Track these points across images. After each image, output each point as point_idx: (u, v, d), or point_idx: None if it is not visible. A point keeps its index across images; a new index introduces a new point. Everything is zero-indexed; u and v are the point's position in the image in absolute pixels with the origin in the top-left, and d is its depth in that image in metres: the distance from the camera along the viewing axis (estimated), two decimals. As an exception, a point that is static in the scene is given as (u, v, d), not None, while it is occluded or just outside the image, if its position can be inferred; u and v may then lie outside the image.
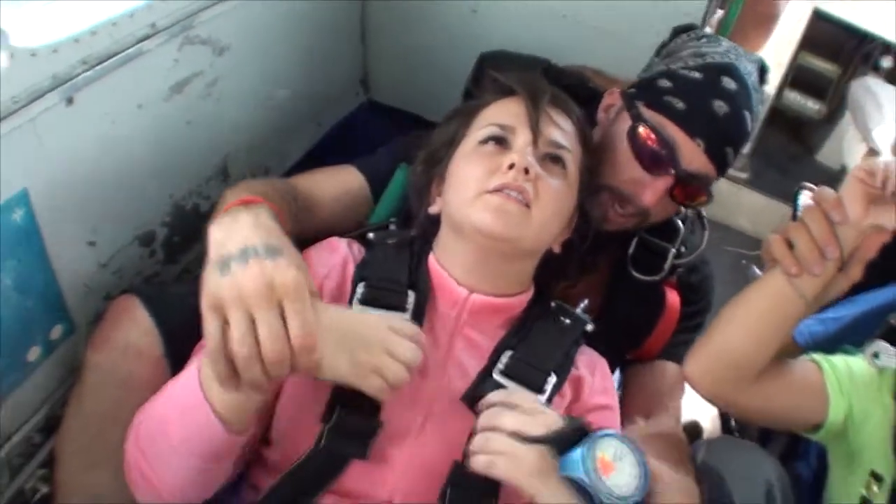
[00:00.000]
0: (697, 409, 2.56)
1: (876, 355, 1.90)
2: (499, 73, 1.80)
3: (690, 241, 2.10)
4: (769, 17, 3.93)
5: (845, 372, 1.87)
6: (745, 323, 1.64)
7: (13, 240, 1.50)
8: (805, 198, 2.44)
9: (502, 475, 1.35)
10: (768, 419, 1.94)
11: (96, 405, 1.60)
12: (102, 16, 1.55)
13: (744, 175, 5.42)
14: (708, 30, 2.49)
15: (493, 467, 1.35)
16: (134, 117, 1.57)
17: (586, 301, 1.77)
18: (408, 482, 1.49)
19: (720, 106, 1.78)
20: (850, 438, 1.87)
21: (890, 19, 5.52)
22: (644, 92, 1.89)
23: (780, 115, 6.13)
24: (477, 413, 1.48)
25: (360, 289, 1.59)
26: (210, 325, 1.20)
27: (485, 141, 1.63)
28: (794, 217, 2.56)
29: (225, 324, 1.19)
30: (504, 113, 1.67)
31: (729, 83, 1.81)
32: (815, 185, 1.79)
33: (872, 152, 4.26)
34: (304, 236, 1.67)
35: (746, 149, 5.32)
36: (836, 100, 6.14)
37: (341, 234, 1.79)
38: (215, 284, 1.22)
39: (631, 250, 2.02)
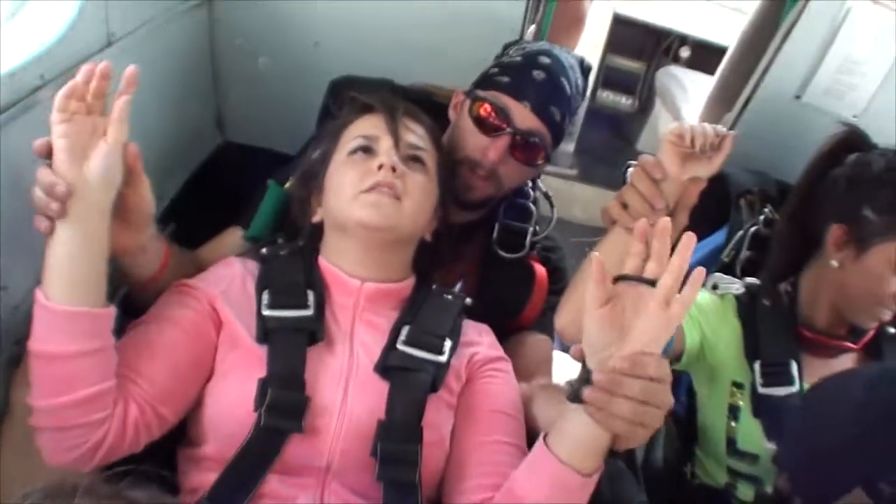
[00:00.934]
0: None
1: (715, 286, 2.23)
2: (355, 95, 2.05)
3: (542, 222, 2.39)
4: (577, 19, 4.24)
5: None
6: None
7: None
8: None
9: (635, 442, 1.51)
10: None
11: (28, 443, 1.64)
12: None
13: (573, 171, 5.76)
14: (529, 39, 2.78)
15: (633, 438, 1.48)
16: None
17: (461, 283, 2.02)
18: (341, 447, 1.67)
19: (538, 74, 2.12)
20: (708, 359, 2.19)
21: (682, 14, 5.96)
22: (480, 82, 2.21)
23: (597, 114, 6.52)
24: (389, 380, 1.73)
25: (265, 296, 1.77)
26: None
27: (354, 151, 1.84)
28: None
29: None
30: (367, 126, 1.89)
31: (545, 59, 2.15)
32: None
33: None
34: None
35: (571, 147, 5.66)
36: (644, 93, 6.59)
37: None
38: None
39: (495, 235, 2.28)
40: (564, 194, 3.59)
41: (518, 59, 2.18)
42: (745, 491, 2.24)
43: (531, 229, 2.31)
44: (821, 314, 2.20)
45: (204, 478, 1.65)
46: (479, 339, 1.95)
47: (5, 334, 1.69)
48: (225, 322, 1.75)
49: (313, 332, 1.74)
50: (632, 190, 1.81)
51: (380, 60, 2.67)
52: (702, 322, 2.18)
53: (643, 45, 6.66)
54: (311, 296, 1.78)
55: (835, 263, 2.13)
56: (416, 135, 1.91)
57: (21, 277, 1.69)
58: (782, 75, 2.83)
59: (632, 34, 6.48)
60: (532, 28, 3.15)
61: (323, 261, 1.88)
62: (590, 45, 5.75)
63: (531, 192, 2.39)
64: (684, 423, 2.45)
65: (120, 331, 1.61)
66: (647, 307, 1.43)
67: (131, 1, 2.11)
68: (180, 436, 1.73)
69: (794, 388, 2.11)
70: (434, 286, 1.95)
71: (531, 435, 1.82)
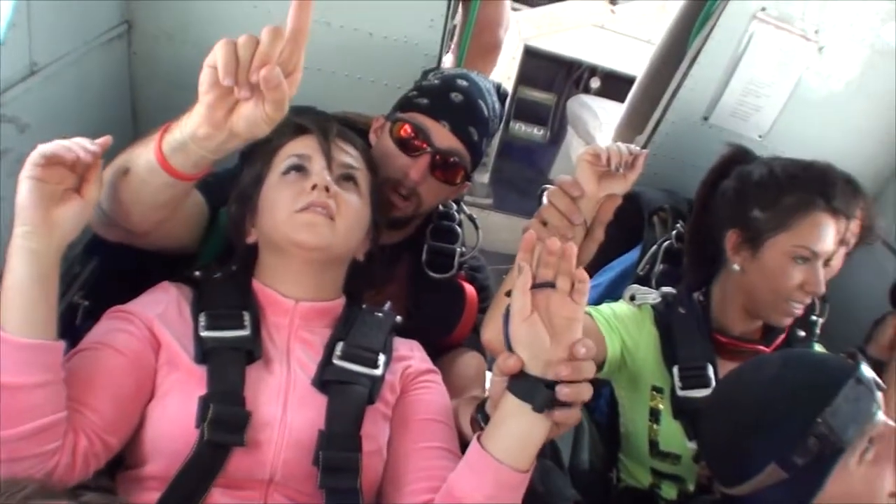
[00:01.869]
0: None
1: (633, 297, 2.33)
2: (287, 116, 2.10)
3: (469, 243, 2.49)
4: (492, 47, 4.33)
5: (611, 314, 2.29)
6: None
7: None
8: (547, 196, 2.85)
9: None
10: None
11: None
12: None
13: (488, 201, 5.85)
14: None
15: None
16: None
17: (389, 303, 2.06)
18: (283, 458, 1.70)
19: (456, 96, 2.22)
20: (629, 366, 2.29)
21: (592, 46, 6.09)
22: (399, 106, 2.30)
23: (510, 145, 6.67)
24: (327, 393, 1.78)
25: (202, 319, 1.80)
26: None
27: (287, 171, 1.88)
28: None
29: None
30: (300, 147, 1.92)
31: (461, 82, 2.26)
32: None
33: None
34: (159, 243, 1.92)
35: (486, 178, 5.73)
36: (556, 124, 6.69)
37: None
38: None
39: (424, 256, 2.35)
40: (481, 223, 3.62)
41: (436, 82, 2.28)
42: (668, 490, 2.33)
43: (458, 250, 2.39)
44: (733, 319, 2.34)
45: (146, 497, 1.65)
46: (411, 354, 2.01)
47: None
48: (163, 344, 1.77)
49: (251, 350, 1.78)
50: (551, 208, 1.87)
51: (302, 89, 2.64)
52: (622, 331, 2.28)
53: (554, 76, 6.79)
54: (246, 316, 1.82)
55: (736, 267, 2.29)
56: (348, 155, 1.96)
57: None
58: (690, 99, 2.98)
59: (543, 66, 6.62)
60: (449, 56, 3.23)
61: (257, 283, 1.92)
62: (501, 77, 5.86)
63: (456, 215, 2.48)
64: (607, 430, 2.54)
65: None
66: (557, 302, 1.56)
67: (54, 31, 2.13)
68: (116, 460, 1.72)
69: (711, 390, 2.20)
70: (364, 305, 2.00)
71: (461, 445, 1.90)
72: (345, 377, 1.80)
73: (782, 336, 2.37)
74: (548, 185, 1.98)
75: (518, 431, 1.58)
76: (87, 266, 1.89)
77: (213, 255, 2.07)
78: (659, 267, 2.61)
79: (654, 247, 2.65)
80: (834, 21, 2.89)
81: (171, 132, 1.61)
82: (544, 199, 1.97)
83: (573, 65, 6.63)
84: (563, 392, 1.52)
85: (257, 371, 1.77)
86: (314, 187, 1.81)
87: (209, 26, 2.71)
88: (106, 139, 1.59)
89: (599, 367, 2.21)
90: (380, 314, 1.98)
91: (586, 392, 1.54)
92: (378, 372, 1.85)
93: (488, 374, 2.33)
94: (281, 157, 1.94)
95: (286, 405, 1.75)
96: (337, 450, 1.72)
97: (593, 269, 1.96)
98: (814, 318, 2.46)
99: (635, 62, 5.82)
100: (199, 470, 1.64)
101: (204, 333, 1.77)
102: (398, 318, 2.00)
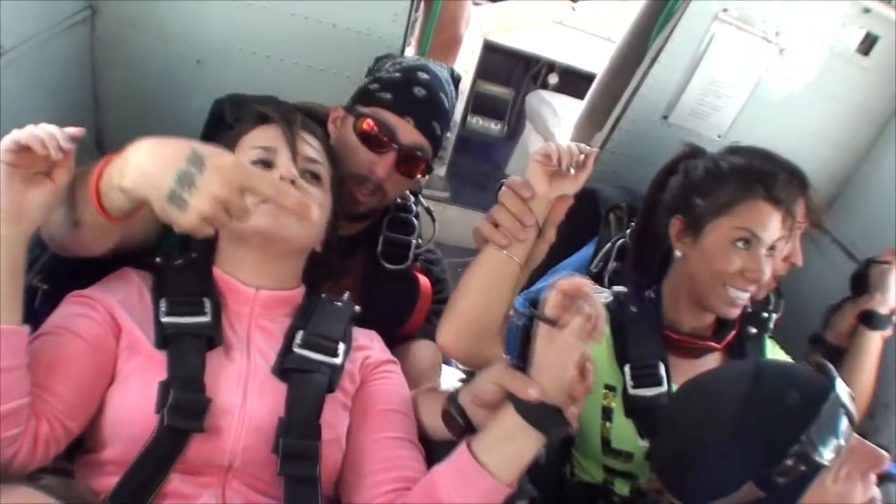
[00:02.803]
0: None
1: None
2: (238, 112, 2.08)
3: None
4: (453, 41, 4.36)
5: None
6: (477, 290, 1.91)
7: None
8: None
9: None
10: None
11: None
12: None
13: (445, 194, 5.84)
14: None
15: None
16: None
17: (348, 293, 2.06)
18: (243, 445, 1.70)
19: (419, 90, 2.23)
20: None
21: (551, 42, 6.10)
22: (359, 98, 2.29)
23: (467, 140, 6.65)
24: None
25: (163, 304, 1.80)
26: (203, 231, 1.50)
27: (252, 164, 1.86)
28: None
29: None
30: (264, 138, 1.93)
31: (423, 75, 2.27)
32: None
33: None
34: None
35: (443, 171, 5.73)
36: (513, 119, 6.69)
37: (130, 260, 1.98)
38: (184, 219, 1.48)
39: (380, 247, 2.36)
40: (437, 216, 3.62)
41: (397, 75, 2.27)
42: (621, 487, 2.33)
43: (414, 242, 2.40)
44: (683, 315, 2.35)
45: (105, 482, 1.64)
46: (370, 344, 2.02)
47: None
48: (124, 329, 1.76)
49: (211, 337, 1.77)
50: (502, 209, 1.85)
51: (263, 79, 2.73)
52: None
53: (512, 71, 6.80)
54: (207, 303, 1.82)
55: (679, 254, 2.31)
56: (312, 147, 1.96)
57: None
58: (650, 97, 3.00)
59: (501, 61, 6.62)
60: (410, 50, 3.23)
61: (218, 270, 1.91)
62: (460, 70, 5.68)
63: (413, 207, 2.49)
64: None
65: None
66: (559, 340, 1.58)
67: (18, 15, 2.11)
68: (75, 444, 1.70)
69: (663, 388, 2.23)
70: (323, 295, 2.00)
71: (420, 435, 1.92)
72: (305, 365, 1.81)
73: (733, 332, 2.39)
74: (505, 181, 1.97)
75: (519, 451, 1.60)
76: (46, 250, 1.86)
77: (174, 244, 2.04)
78: (612, 265, 2.62)
79: (609, 244, 2.66)
80: (794, 23, 2.92)
81: (103, 177, 1.60)
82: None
83: (532, 60, 6.64)
84: (573, 412, 1.55)
85: (217, 358, 1.77)
86: (280, 179, 1.80)
87: (172, 13, 2.71)
88: (79, 131, 1.57)
89: None
90: (339, 304, 1.98)
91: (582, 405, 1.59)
92: (338, 360, 1.86)
93: (444, 367, 2.35)
94: (244, 146, 1.93)
95: (246, 392, 1.75)
96: (296, 437, 1.73)
97: (544, 264, 1.95)
98: (765, 314, 2.47)
99: (594, 59, 5.85)
100: (158, 455, 1.64)
101: (164, 319, 1.77)
102: (357, 307, 2.00)
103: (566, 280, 1.56)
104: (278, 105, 2.09)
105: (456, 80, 2.45)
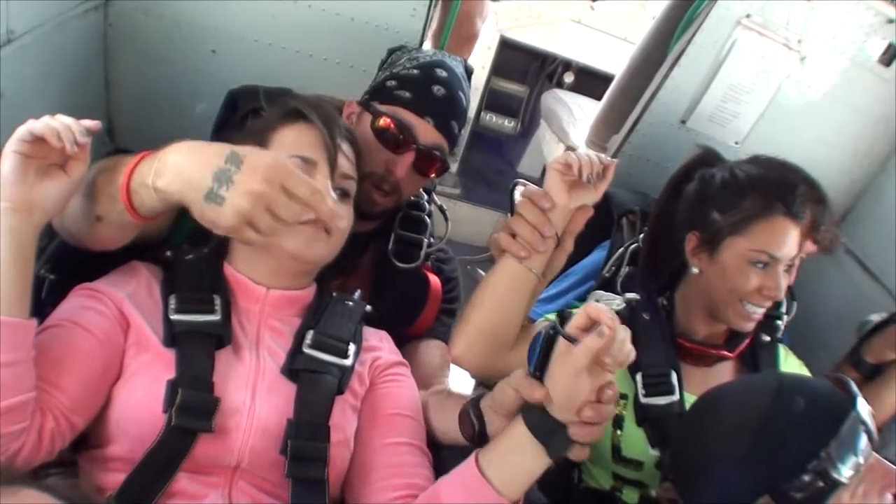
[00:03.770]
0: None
1: (597, 302, 2.28)
2: (251, 105, 2.06)
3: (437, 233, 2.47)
4: (470, 37, 4.35)
5: None
6: (492, 302, 1.92)
7: None
8: (518, 192, 2.82)
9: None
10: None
11: None
12: None
13: (456, 191, 5.80)
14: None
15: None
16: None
17: (359, 291, 2.02)
18: (251, 446, 1.68)
19: (439, 89, 2.18)
20: None
21: (568, 40, 6.08)
22: (376, 94, 2.24)
23: (480, 136, 6.63)
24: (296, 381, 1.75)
25: (172, 300, 1.76)
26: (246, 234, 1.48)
27: None
28: (512, 211, 2.93)
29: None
30: (304, 143, 1.82)
31: (441, 73, 2.22)
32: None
33: (571, 150, 4.73)
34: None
35: (455, 168, 5.70)
36: (527, 116, 6.66)
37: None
38: (223, 217, 1.46)
39: (391, 245, 2.32)
40: (447, 213, 3.62)
41: (415, 72, 2.23)
42: (630, 495, 2.31)
43: (426, 241, 2.37)
44: (696, 324, 2.32)
45: (110, 478, 1.63)
46: (381, 345, 1.99)
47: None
48: (133, 325, 1.73)
49: (220, 336, 1.75)
50: (520, 220, 1.85)
51: (278, 70, 2.71)
52: None
53: (528, 69, 6.79)
54: (217, 301, 1.79)
55: (695, 269, 2.27)
56: (347, 160, 1.89)
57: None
58: (669, 101, 2.97)
59: (517, 58, 6.59)
60: (427, 45, 3.20)
61: (229, 268, 1.87)
62: (476, 67, 5.72)
63: (426, 205, 2.46)
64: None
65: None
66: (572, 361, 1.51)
67: (31, 0, 2.09)
68: (79, 439, 1.67)
69: (675, 397, 2.20)
70: (334, 294, 1.96)
71: (429, 437, 1.90)
72: (314, 366, 1.78)
73: (747, 341, 2.36)
74: (519, 181, 1.95)
75: (522, 466, 1.58)
76: (54, 239, 1.84)
77: (184, 236, 2.01)
78: (625, 269, 2.58)
79: (622, 249, 2.62)
80: (817, 31, 2.89)
81: (134, 175, 1.58)
82: (515, 196, 1.94)
83: (548, 58, 6.63)
84: (577, 432, 1.51)
85: (226, 357, 1.75)
86: None
87: (187, 2, 2.68)
88: (95, 124, 1.55)
89: None
90: (350, 303, 1.95)
91: (599, 433, 1.53)
92: (348, 362, 1.83)
93: (453, 367, 2.32)
94: (278, 144, 1.85)
95: (255, 393, 1.72)
96: (305, 439, 1.71)
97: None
98: (778, 322, 2.45)
99: (610, 59, 5.83)
100: (165, 455, 1.62)
101: (174, 317, 1.73)
102: (368, 307, 1.97)
103: (596, 306, 1.52)
104: (319, 103, 1.96)
105: (469, 73, 2.41)
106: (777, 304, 2.38)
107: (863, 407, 1.66)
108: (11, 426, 1.44)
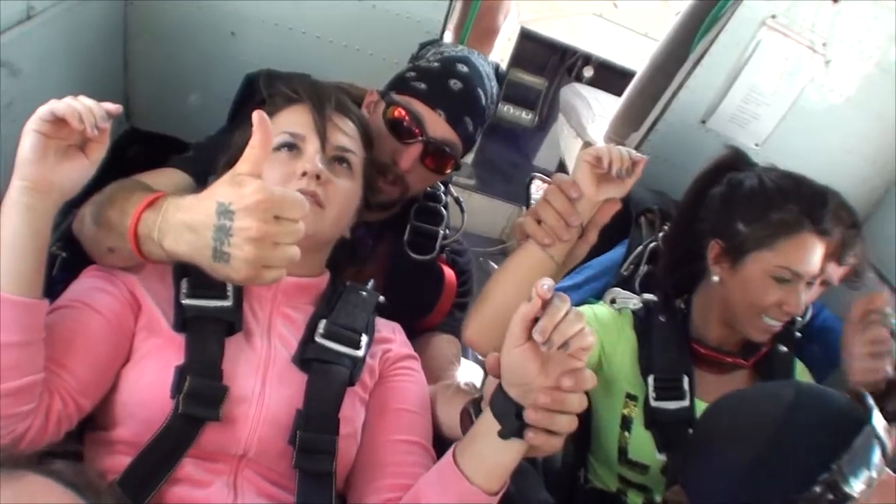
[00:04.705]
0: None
1: (613, 300, 2.29)
2: (270, 89, 2.03)
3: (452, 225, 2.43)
4: (491, 30, 4.34)
5: (591, 316, 2.27)
6: (511, 286, 1.89)
7: None
8: (535, 186, 2.79)
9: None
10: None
11: None
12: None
13: (471, 182, 5.79)
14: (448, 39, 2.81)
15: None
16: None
17: (372, 281, 2.01)
18: (258, 435, 1.67)
19: (455, 83, 2.15)
20: (604, 370, 2.26)
21: (588, 34, 6.05)
22: (395, 84, 2.22)
23: (497, 128, 6.62)
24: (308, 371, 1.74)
25: (184, 285, 1.74)
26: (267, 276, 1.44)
27: (278, 148, 1.79)
28: (528, 205, 2.91)
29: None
30: (293, 121, 1.84)
31: (462, 68, 2.19)
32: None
33: (588, 145, 4.72)
34: None
35: (470, 158, 5.69)
36: (545, 109, 6.65)
37: None
38: (236, 272, 1.43)
39: (406, 236, 2.30)
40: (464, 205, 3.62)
41: (436, 65, 2.20)
42: (634, 498, 2.30)
43: (442, 233, 2.34)
44: (712, 330, 2.30)
45: (115, 461, 1.62)
46: (392, 337, 1.98)
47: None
48: (143, 308, 1.72)
49: (232, 322, 1.73)
50: (547, 207, 1.83)
51: (298, 55, 2.68)
52: (601, 335, 2.24)
53: (547, 62, 6.76)
54: (229, 286, 1.77)
55: (716, 278, 2.25)
56: (344, 134, 1.88)
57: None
58: (690, 100, 2.94)
59: (537, 51, 6.58)
60: (448, 35, 3.18)
61: None
62: (495, 58, 5.75)
63: (443, 197, 2.43)
64: (578, 429, 2.49)
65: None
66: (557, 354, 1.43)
67: (53, -25, 2.06)
68: (85, 420, 1.66)
69: (686, 403, 2.19)
70: (347, 283, 1.95)
71: (434, 432, 1.89)
72: (326, 356, 1.77)
73: (763, 350, 2.34)
74: (536, 174, 1.93)
75: (490, 452, 1.55)
76: (66, 216, 1.83)
77: None
78: (643, 269, 2.56)
79: (640, 248, 2.60)
80: (843, 35, 2.85)
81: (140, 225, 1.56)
82: (532, 190, 1.92)
83: (567, 51, 6.60)
84: (530, 416, 1.44)
85: (237, 343, 1.73)
86: (304, 174, 1.74)
87: (207, -20, 2.64)
88: (117, 108, 1.53)
89: None
90: (364, 293, 1.93)
91: (561, 422, 1.45)
92: (360, 353, 1.81)
93: (465, 361, 2.31)
94: (273, 128, 1.79)
95: (265, 381, 1.71)
96: (314, 431, 1.69)
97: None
98: (798, 333, 2.43)
99: (631, 55, 5.80)
100: (171, 441, 1.61)
101: (185, 301, 1.71)
102: (381, 298, 1.95)
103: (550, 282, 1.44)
104: (313, 85, 2.00)
105: (500, 77, 2.38)
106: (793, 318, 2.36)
107: (878, 421, 1.64)
108: (19, 407, 1.44)
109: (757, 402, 1.85)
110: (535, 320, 1.41)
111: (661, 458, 2.18)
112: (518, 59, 6.35)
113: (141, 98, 2.85)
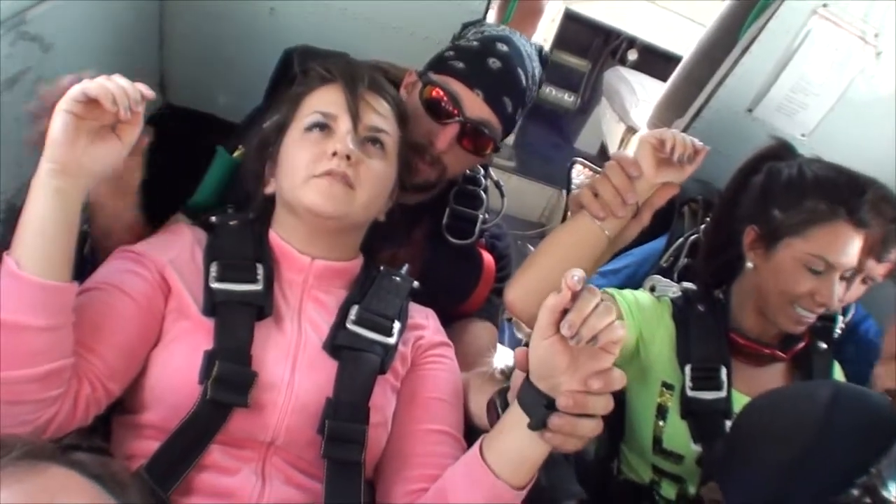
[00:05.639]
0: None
1: (653, 288, 2.26)
2: (308, 65, 2.00)
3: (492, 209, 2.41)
4: (535, 11, 4.31)
5: (633, 301, 2.23)
6: (558, 253, 1.90)
7: None
8: (576, 171, 2.76)
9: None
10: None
11: None
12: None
13: (511, 164, 5.76)
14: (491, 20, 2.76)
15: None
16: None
17: (407, 265, 1.99)
18: (287, 423, 1.65)
19: (494, 62, 2.10)
20: (641, 357, 2.23)
21: (634, 16, 5.99)
22: (433, 64, 2.19)
23: (538, 109, 6.53)
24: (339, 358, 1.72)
25: (214, 268, 1.73)
26: None
27: (310, 128, 1.78)
28: (569, 189, 2.88)
29: None
30: (325, 101, 1.81)
31: (502, 47, 2.14)
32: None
33: (631, 130, 4.68)
34: None
35: (511, 140, 5.65)
36: (588, 92, 6.60)
37: None
38: None
39: (445, 220, 2.28)
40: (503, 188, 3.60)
41: (475, 44, 2.16)
42: (668, 489, 2.28)
43: (481, 217, 2.31)
44: (749, 321, 2.28)
45: (143, 445, 1.62)
46: (425, 323, 1.95)
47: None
48: (174, 291, 1.71)
49: (261, 307, 1.71)
50: (606, 182, 1.84)
51: (337, 33, 2.64)
52: (640, 321, 2.22)
53: (591, 44, 6.70)
54: (260, 270, 1.76)
55: (750, 264, 2.24)
56: (377, 114, 1.84)
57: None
58: (737, 88, 2.89)
59: (581, 32, 6.52)
60: (492, 14, 3.14)
61: (274, 235, 1.84)
62: (538, 39, 5.71)
63: (482, 180, 2.40)
64: (612, 419, 2.46)
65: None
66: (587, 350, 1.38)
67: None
68: (113, 403, 1.67)
69: (723, 394, 2.16)
70: (382, 268, 1.93)
71: (466, 421, 1.87)
72: (357, 343, 1.75)
73: (802, 345, 2.30)
74: (578, 159, 1.92)
75: (516, 446, 1.52)
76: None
77: (206, 197, 2.04)
78: (683, 261, 2.54)
79: (681, 239, 2.58)
80: (895, 27, 2.78)
81: None
82: (573, 174, 1.91)
83: (612, 34, 6.53)
84: (554, 422, 1.41)
85: (266, 328, 1.72)
86: (335, 154, 1.71)
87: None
88: (151, 93, 1.52)
89: None
90: (398, 278, 1.91)
91: (584, 427, 1.41)
92: (392, 340, 1.79)
93: (500, 347, 2.28)
94: (306, 108, 1.84)
95: (295, 367, 1.70)
96: (344, 420, 1.68)
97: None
98: (838, 331, 2.39)
99: (677, 39, 5.73)
100: (198, 427, 1.61)
101: (214, 285, 1.71)
102: (416, 283, 1.93)
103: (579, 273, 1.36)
104: (347, 64, 1.98)
105: (544, 59, 2.33)
106: (833, 315, 2.32)
107: None
108: (48, 392, 1.43)
109: (795, 402, 1.81)
110: (565, 312, 1.36)
111: (696, 448, 2.16)
112: (561, 41, 6.29)
113: (177, 73, 2.82)
